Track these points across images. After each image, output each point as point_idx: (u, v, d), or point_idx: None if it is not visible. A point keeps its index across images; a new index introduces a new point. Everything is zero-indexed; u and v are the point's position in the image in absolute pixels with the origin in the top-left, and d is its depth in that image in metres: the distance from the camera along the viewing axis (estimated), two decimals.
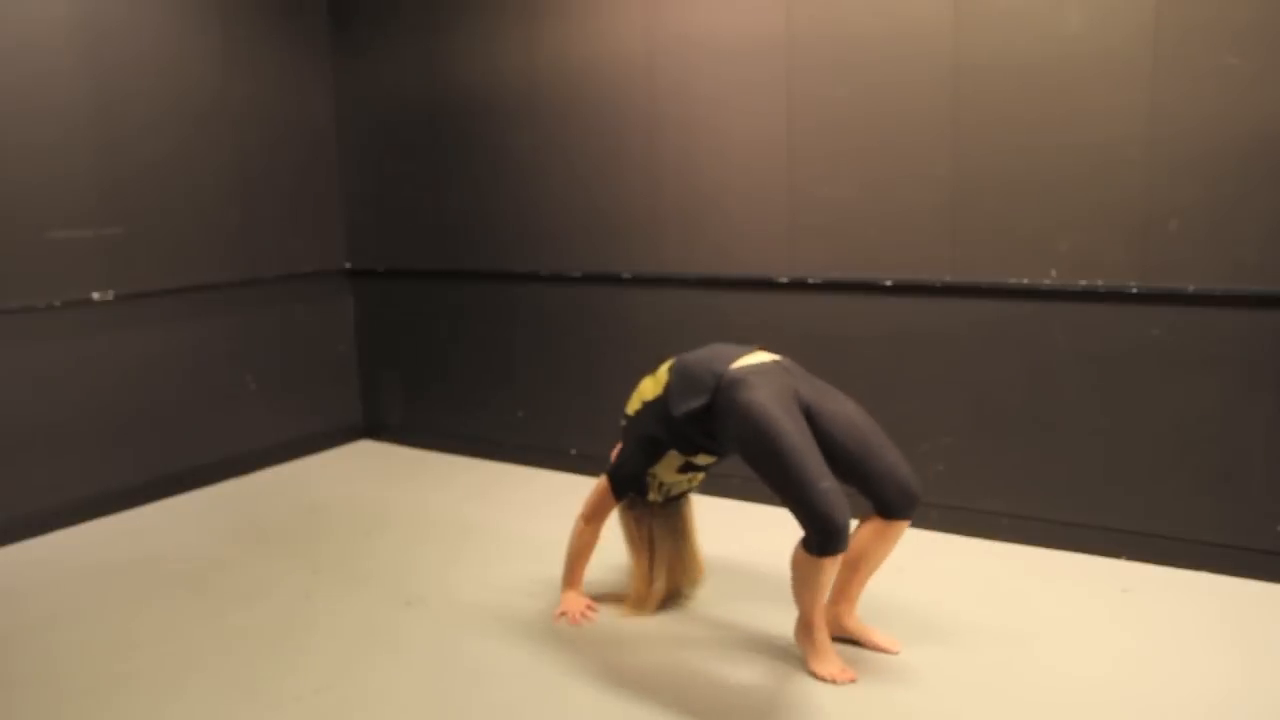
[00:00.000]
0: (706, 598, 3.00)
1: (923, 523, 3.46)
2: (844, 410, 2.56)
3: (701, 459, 2.76)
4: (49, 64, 3.65)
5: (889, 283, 3.48)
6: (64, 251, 3.75)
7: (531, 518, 3.78)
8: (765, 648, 2.69)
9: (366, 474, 4.48)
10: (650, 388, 2.81)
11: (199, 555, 3.50)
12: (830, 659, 2.53)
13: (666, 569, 2.91)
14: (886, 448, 2.52)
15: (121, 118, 3.90)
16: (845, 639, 2.67)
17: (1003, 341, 3.33)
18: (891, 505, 2.49)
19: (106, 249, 3.88)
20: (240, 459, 4.45)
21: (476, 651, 2.72)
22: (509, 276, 4.41)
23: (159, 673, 2.64)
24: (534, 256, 4.31)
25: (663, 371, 2.80)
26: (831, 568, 2.42)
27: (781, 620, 2.77)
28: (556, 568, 3.03)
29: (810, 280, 3.64)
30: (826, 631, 2.57)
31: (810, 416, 2.52)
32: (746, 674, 2.56)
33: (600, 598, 3.00)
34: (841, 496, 2.36)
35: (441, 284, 4.64)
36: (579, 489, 3.32)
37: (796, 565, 2.46)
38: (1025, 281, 3.25)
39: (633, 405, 2.86)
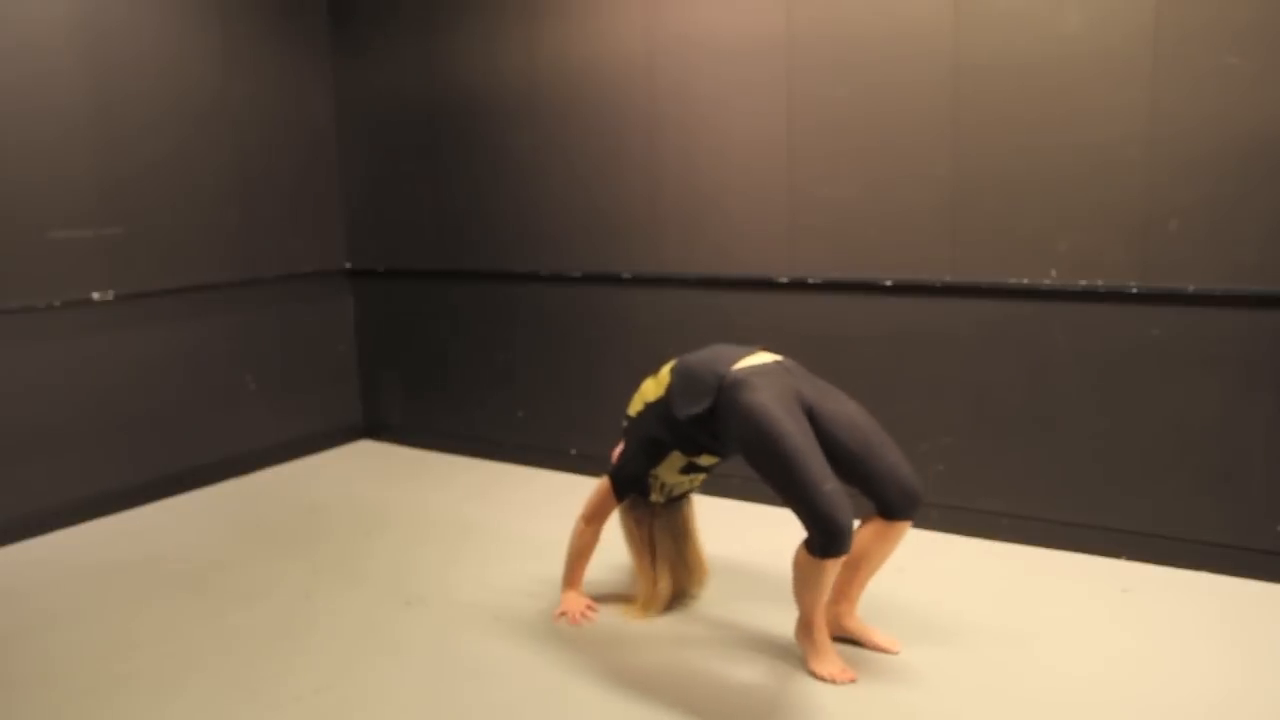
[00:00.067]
0: (707, 598, 3.00)
1: (923, 523, 3.46)
2: (845, 410, 2.56)
3: (704, 459, 2.76)
4: (49, 64, 3.65)
5: (889, 283, 3.48)
6: (64, 251, 3.75)
7: (531, 518, 3.78)
8: (766, 647, 2.69)
9: (366, 474, 4.48)
10: (652, 389, 2.80)
11: (199, 555, 3.50)
12: (830, 659, 2.53)
13: (670, 570, 2.91)
14: (888, 448, 2.52)
15: (121, 118, 3.90)
16: (845, 639, 2.67)
17: (1003, 341, 3.33)
18: (893, 506, 2.49)
19: (106, 249, 3.88)
20: (240, 459, 4.45)
21: (476, 651, 2.72)
22: (509, 276, 4.41)
23: (159, 673, 2.64)
24: (534, 256, 4.31)
25: (665, 372, 2.79)
26: (833, 569, 2.42)
27: (782, 620, 2.78)
28: (556, 567, 3.03)
29: (810, 280, 3.64)
30: (827, 631, 2.57)
31: (812, 417, 2.52)
32: (747, 674, 2.56)
33: (604, 598, 2.99)
34: (844, 498, 2.36)
35: (441, 284, 4.64)
36: (579, 489, 3.32)
37: (798, 566, 2.46)
38: (1025, 281, 3.25)
39: (634, 406, 2.86)
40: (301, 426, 4.73)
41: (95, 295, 3.85)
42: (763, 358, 2.65)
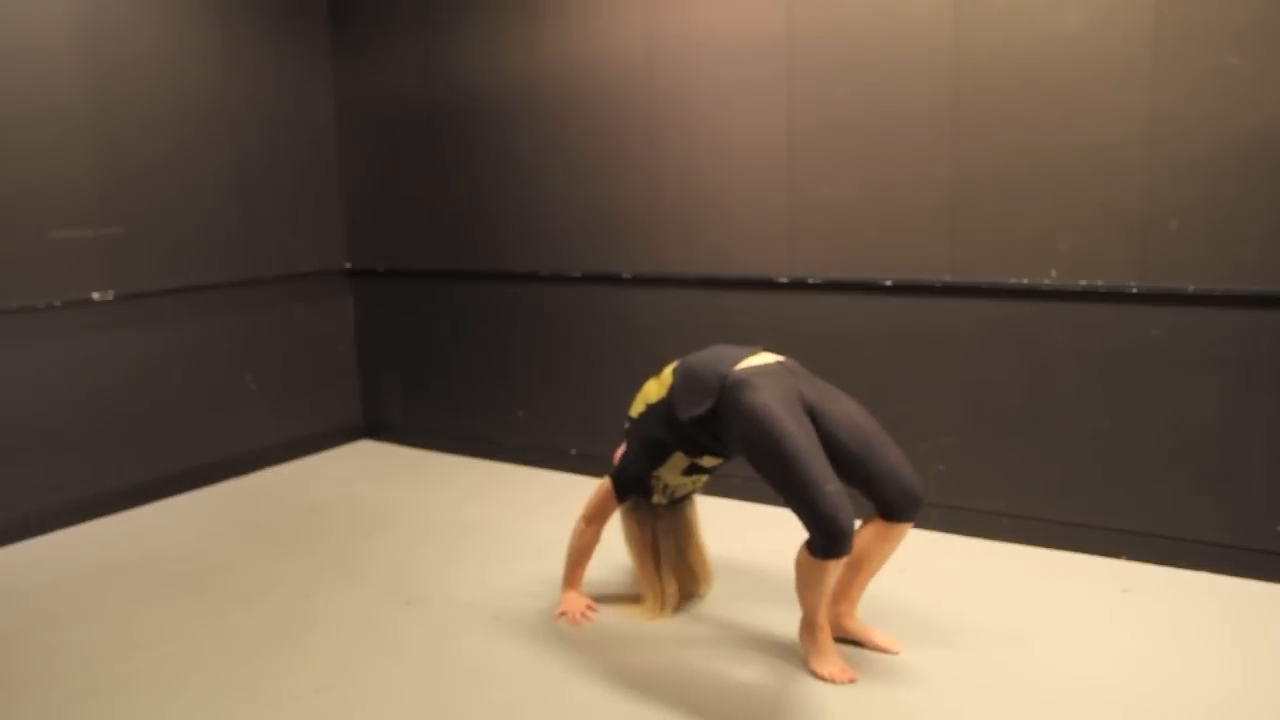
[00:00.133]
0: (708, 598, 3.00)
1: (923, 523, 3.46)
2: (847, 411, 2.56)
3: (707, 460, 2.76)
4: (49, 64, 3.65)
5: (889, 283, 3.48)
6: (64, 251, 3.75)
7: (531, 518, 3.78)
8: (766, 648, 2.69)
9: (366, 474, 4.48)
10: (654, 390, 2.80)
11: (199, 555, 3.50)
12: (831, 659, 2.53)
13: (674, 572, 2.91)
14: (889, 449, 2.52)
15: (121, 118, 3.90)
16: (846, 640, 2.67)
17: (1003, 341, 3.33)
18: (894, 507, 2.49)
19: (106, 249, 3.88)
20: (240, 459, 4.45)
21: (476, 651, 2.72)
22: (509, 276, 4.41)
23: (159, 673, 2.64)
24: (534, 256, 4.31)
25: (667, 373, 2.79)
26: (835, 570, 2.42)
27: (782, 620, 2.78)
28: (556, 567, 3.03)
29: (810, 280, 3.64)
30: (829, 631, 2.57)
31: (814, 417, 2.52)
32: (747, 674, 2.56)
33: (604, 598, 2.99)
34: (846, 499, 2.36)
35: (441, 284, 4.64)
36: (579, 489, 3.32)
37: (800, 566, 2.46)
38: (1025, 281, 3.25)
39: (636, 407, 2.86)
40: (301, 426, 4.73)
41: (95, 295, 3.85)
42: (765, 358, 2.65)
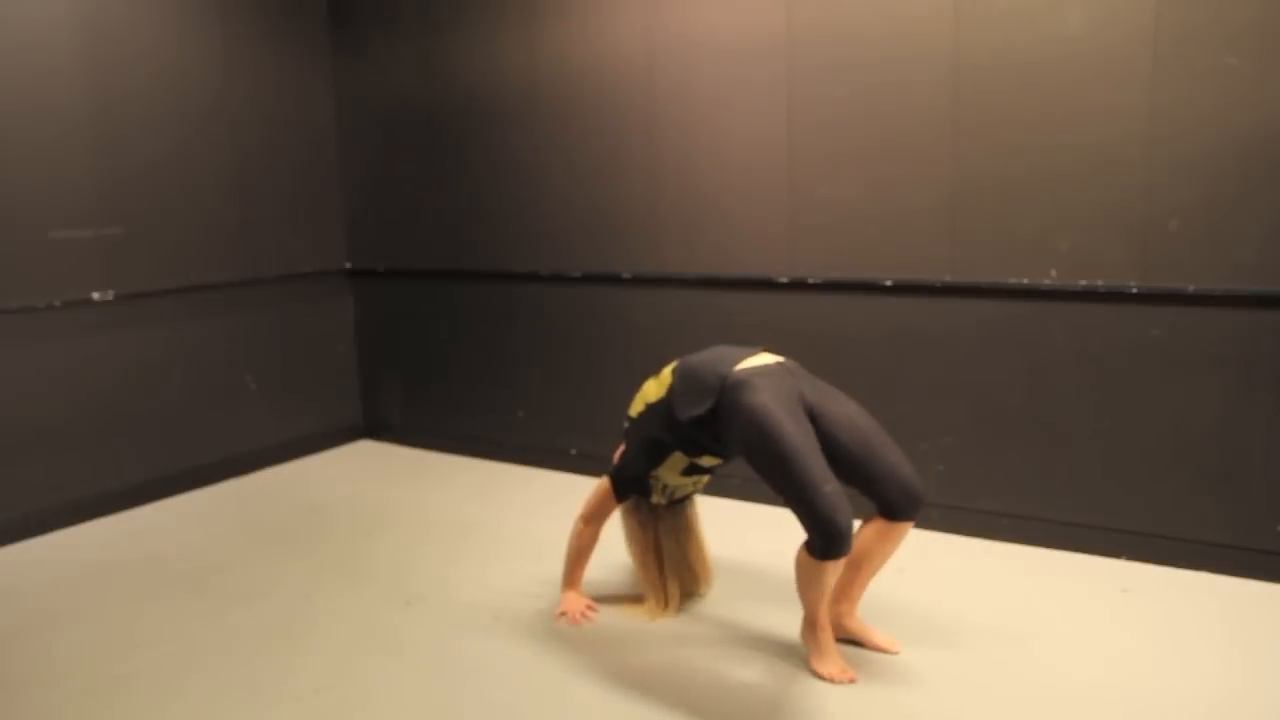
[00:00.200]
0: (708, 597, 3.00)
1: (923, 523, 3.46)
2: (846, 412, 2.56)
3: (706, 460, 2.76)
4: (49, 64, 3.65)
5: (889, 283, 3.48)
6: (64, 251, 3.75)
7: (531, 518, 3.78)
8: (766, 648, 2.69)
9: (366, 474, 4.48)
10: (654, 389, 2.80)
11: (199, 555, 3.50)
12: (832, 658, 2.53)
13: (675, 572, 2.91)
14: (889, 449, 2.52)
15: (121, 118, 3.90)
16: (846, 640, 2.67)
17: (1003, 341, 3.33)
18: (894, 506, 2.49)
19: (106, 249, 3.88)
20: (240, 459, 4.45)
21: (476, 651, 2.72)
22: (509, 276, 4.41)
23: (159, 673, 2.64)
24: (534, 256, 4.31)
25: (666, 373, 2.79)
26: (834, 570, 2.42)
27: (782, 620, 2.78)
28: (556, 567, 3.03)
29: (810, 280, 3.64)
30: (830, 631, 2.57)
31: (814, 418, 2.52)
32: (747, 674, 2.56)
33: (604, 598, 2.99)
34: (844, 500, 2.36)
35: (441, 284, 4.64)
36: (579, 489, 3.31)
37: (799, 567, 2.46)
38: (1025, 281, 3.25)
39: (635, 407, 2.86)
40: (301, 426, 4.73)
41: (95, 295, 3.85)
42: (765, 359, 2.65)
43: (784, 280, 3.69)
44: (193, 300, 4.20)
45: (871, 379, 3.47)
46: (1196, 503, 3.09)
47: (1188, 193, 2.98)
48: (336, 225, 4.85)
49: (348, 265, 4.90)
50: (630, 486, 2.82)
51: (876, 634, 2.68)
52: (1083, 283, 3.16)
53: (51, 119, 3.67)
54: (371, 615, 2.96)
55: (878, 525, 2.53)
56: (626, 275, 4.07)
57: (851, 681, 2.49)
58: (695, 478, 2.85)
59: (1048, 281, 3.21)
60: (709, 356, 2.70)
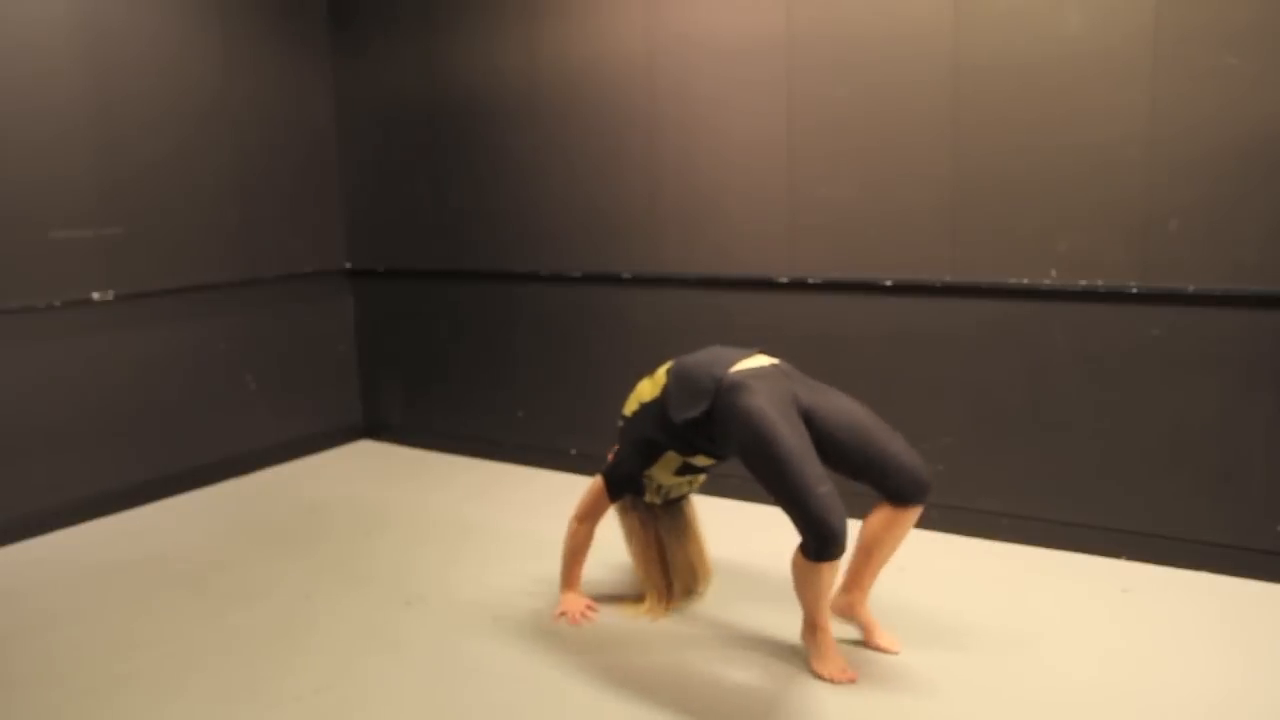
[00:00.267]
0: (709, 598, 3.00)
1: (923, 523, 3.43)
2: (841, 407, 2.56)
3: (699, 460, 2.76)
4: (49, 64, 3.65)
5: (889, 283, 3.48)
6: (64, 251, 3.75)
7: (531, 517, 3.78)
8: (766, 648, 2.69)
9: (366, 474, 4.48)
10: (648, 389, 2.80)
11: (199, 555, 3.50)
12: (832, 659, 2.53)
13: (674, 570, 2.91)
14: (889, 438, 2.52)
15: (121, 118, 3.90)
16: (851, 634, 2.67)
17: (1003, 341, 3.33)
18: (902, 493, 2.49)
19: (106, 249, 3.88)
20: (240, 459, 4.45)
21: (476, 651, 2.72)
22: (509, 276, 4.41)
23: (159, 673, 2.64)
24: (534, 256, 4.31)
25: (660, 373, 2.79)
26: (830, 572, 2.42)
27: (781, 621, 2.78)
28: (556, 567, 3.02)
29: (810, 280, 3.64)
30: (830, 633, 2.57)
31: (810, 419, 2.52)
32: (747, 674, 2.56)
33: (604, 598, 2.99)
34: (838, 501, 2.36)
35: (441, 284, 4.64)
36: (579, 489, 3.30)
37: (796, 570, 2.46)
38: (1025, 281, 3.25)
39: (630, 406, 2.86)
40: (301, 426, 4.73)
41: (95, 295, 3.85)
42: (759, 360, 2.65)
43: (784, 280, 3.69)
44: (193, 300, 4.20)
45: (871, 379, 3.47)
46: (1196, 503, 3.09)
47: (1188, 193, 2.98)
48: (336, 225, 4.85)
49: (348, 265, 4.90)
50: (623, 486, 2.82)
51: (881, 632, 2.67)
52: (1083, 283, 3.16)
53: (51, 119, 3.67)
54: (371, 615, 2.96)
55: (885, 512, 2.52)
56: (626, 275, 4.07)
57: (852, 682, 2.49)
58: (689, 477, 2.85)
59: (1048, 281, 3.21)
60: (704, 357, 2.70)
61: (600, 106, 4.02)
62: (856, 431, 2.51)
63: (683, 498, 2.96)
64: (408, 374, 4.84)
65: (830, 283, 3.60)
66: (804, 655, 2.59)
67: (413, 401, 4.85)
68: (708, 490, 3.72)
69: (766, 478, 2.44)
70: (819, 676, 2.51)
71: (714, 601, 2.98)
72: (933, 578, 3.11)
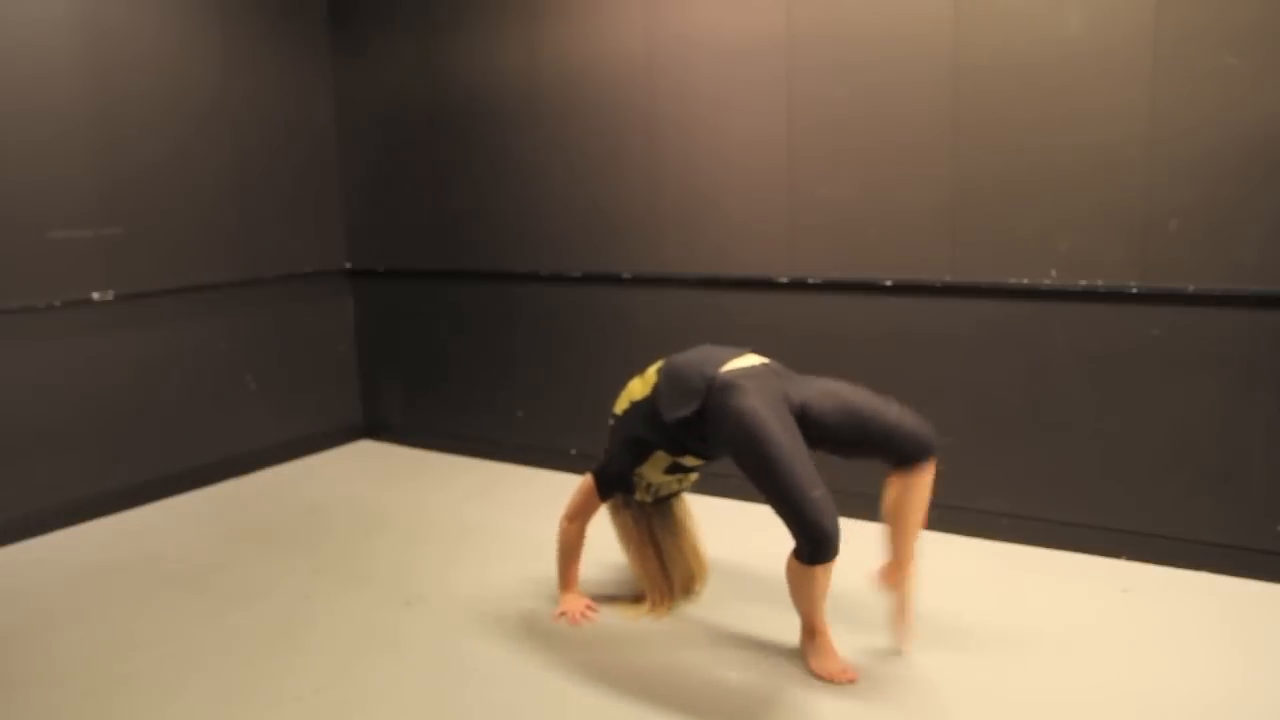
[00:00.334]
0: (707, 598, 3.00)
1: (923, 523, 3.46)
2: (830, 391, 2.56)
3: (689, 460, 2.75)
4: (49, 64, 3.65)
5: (889, 283, 3.48)
6: (64, 251, 3.75)
7: (531, 518, 3.77)
8: (765, 648, 2.69)
9: (366, 474, 4.48)
10: (639, 388, 2.80)
11: (199, 555, 3.50)
12: (831, 658, 2.53)
13: (671, 567, 2.91)
14: (885, 407, 2.52)
15: (121, 118, 3.90)
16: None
17: (1003, 341, 3.32)
18: (906, 454, 2.49)
19: (106, 249, 3.88)
20: (240, 459, 4.45)
21: (476, 651, 2.72)
22: (509, 276, 4.41)
23: (159, 673, 2.64)
24: (534, 256, 4.31)
25: (651, 372, 2.79)
26: (824, 575, 2.42)
27: (781, 620, 2.77)
28: (555, 567, 3.02)
29: (810, 280, 3.64)
30: (829, 633, 2.57)
31: (805, 415, 2.52)
32: (747, 673, 2.55)
33: (604, 598, 2.99)
34: (831, 504, 2.36)
35: (441, 284, 4.64)
36: None
37: (790, 573, 2.47)
38: (1025, 281, 3.25)
39: (621, 405, 2.86)
40: (301, 426, 4.73)
41: (95, 295, 3.85)
42: (750, 359, 2.65)
43: (784, 280, 3.69)
44: (193, 300, 4.20)
45: (871, 379, 3.43)
46: (1196, 503, 3.09)
47: (1188, 193, 2.98)
48: (336, 225, 4.85)
49: (348, 265, 4.90)
50: (614, 484, 2.82)
51: (903, 622, 2.63)
52: (1083, 283, 3.16)
53: (51, 119, 3.67)
54: (371, 615, 2.96)
55: (898, 481, 2.52)
56: (626, 275, 4.07)
57: (852, 682, 2.49)
58: (679, 476, 2.84)
59: (1048, 281, 3.21)
60: (695, 357, 2.69)
61: (600, 106, 4.02)
62: (850, 411, 2.51)
63: (673, 495, 2.96)
64: (408, 374, 4.84)
65: (830, 283, 3.60)
66: (803, 655, 2.59)
67: (413, 401, 4.85)
68: (705, 490, 3.72)
69: (759, 480, 2.43)
70: (818, 676, 2.51)
71: (713, 601, 2.98)
72: (932, 577, 3.11)
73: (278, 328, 4.59)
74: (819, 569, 2.39)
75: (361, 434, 5.04)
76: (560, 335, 4.31)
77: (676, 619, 2.88)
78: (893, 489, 2.55)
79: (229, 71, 4.28)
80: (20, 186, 3.60)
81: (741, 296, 3.80)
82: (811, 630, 2.55)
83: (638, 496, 2.88)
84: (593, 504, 2.85)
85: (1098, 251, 3.13)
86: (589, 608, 2.91)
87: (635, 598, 2.96)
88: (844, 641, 2.64)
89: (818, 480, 2.37)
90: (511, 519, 3.79)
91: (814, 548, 2.34)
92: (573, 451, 4.33)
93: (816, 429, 2.51)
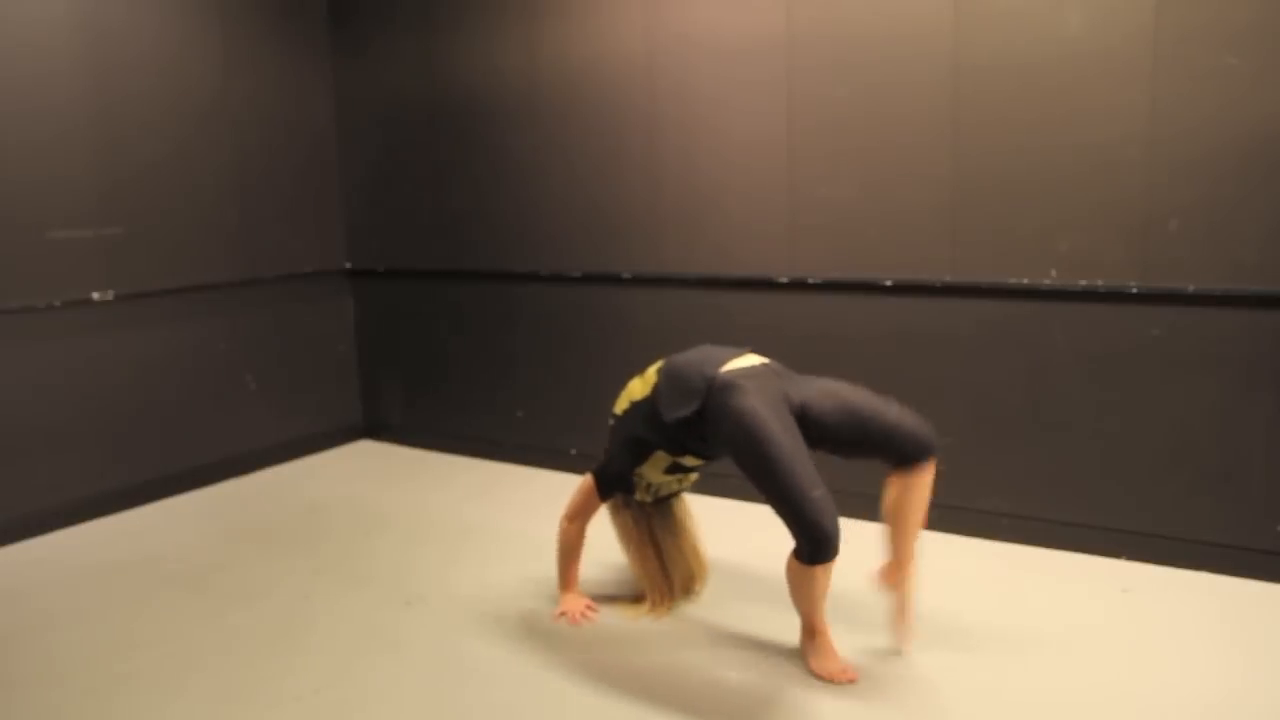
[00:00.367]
0: (707, 598, 3.00)
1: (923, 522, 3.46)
2: (830, 391, 2.56)
3: (689, 460, 2.75)
4: (49, 64, 3.65)
5: (889, 283, 3.48)
6: (64, 251, 3.75)
7: (531, 518, 3.77)
8: (765, 648, 2.69)
9: (366, 474, 4.48)
10: (638, 387, 2.80)
11: (199, 555, 3.50)
12: (831, 658, 2.53)
13: (671, 567, 2.91)
14: (885, 407, 2.52)
15: (121, 118, 3.90)
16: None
17: (1003, 341, 3.33)
18: (906, 454, 2.49)
19: (106, 249, 3.88)
20: (240, 459, 4.45)
21: (476, 651, 2.72)
22: (509, 276, 4.41)
23: (159, 673, 2.64)
24: (534, 256, 4.31)
25: (651, 372, 2.79)
26: (824, 576, 2.42)
27: (781, 620, 2.77)
28: (556, 567, 3.02)
29: (810, 280, 3.64)
30: (829, 633, 2.57)
31: (804, 415, 2.52)
32: (747, 673, 2.55)
33: (604, 598, 2.99)
34: (831, 504, 2.36)
35: (441, 284, 4.64)
36: None
37: (790, 574, 2.47)
38: (1025, 281, 3.25)
39: (621, 404, 2.86)
40: (301, 426, 4.73)
41: (95, 295, 3.85)
42: (750, 359, 2.65)
43: (784, 280, 3.69)
44: (193, 300, 4.21)
45: (871, 379, 3.43)
46: (1196, 503, 3.09)
47: (1188, 193, 2.98)
48: (336, 225, 4.85)
49: (348, 265, 4.90)
50: (613, 484, 2.82)
51: (904, 622, 2.63)
52: (1083, 283, 3.16)
53: (51, 119, 3.67)
54: (371, 615, 2.96)
55: (898, 481, 2.53)
56: (626, 275, 4.07)
57: (852, 682, 2.49)
58: (679, 476, 2.84)
59: (1048, 281, 3.21)
60: (695, 356, 2.69)
61: (600, 106, 4.02)
62: (850, 411, 2.52)
63: (673, 495, 2.96)
64: (408, 374, 4.84)
65: (830, 283, 3.60)
66: (803, 655, 2.59)
67: (413, 401, 4.85)
68: (705, 490, 3.72)
69: (759, 479, 2.44)
70: (818, 676, 2.51)
71: (713, 601, 2.98)
72: (932, 577, 3.11)
73: (278, 328, 4.59)
74: (819, 569, 2.39)
75: (361, 434, 5.04)
76: (560, 335, 4.31)
77: (676, 619, 2.88)
78: (893, 489, 2.55)
79: (229, 71, 4.28)
80: (20, 186, 3.60)
81: (741, 296, 3.80)
82: (811, 630, 2.55)
83: (638, 496, 2.87)
84: (593, 504, 2.85)
85: (1098, 251, 3.13)
86: (589, 608, 2.91)
87: (635, 598, 2.96)
88: (844, 641, 2.64)
89: (818, 480, 2.37)
90: (511, 519, 3.79)
91: (814, 548, 2.34)
92: (573, 451, 4.33)
93: (816, 429, 2.51)
